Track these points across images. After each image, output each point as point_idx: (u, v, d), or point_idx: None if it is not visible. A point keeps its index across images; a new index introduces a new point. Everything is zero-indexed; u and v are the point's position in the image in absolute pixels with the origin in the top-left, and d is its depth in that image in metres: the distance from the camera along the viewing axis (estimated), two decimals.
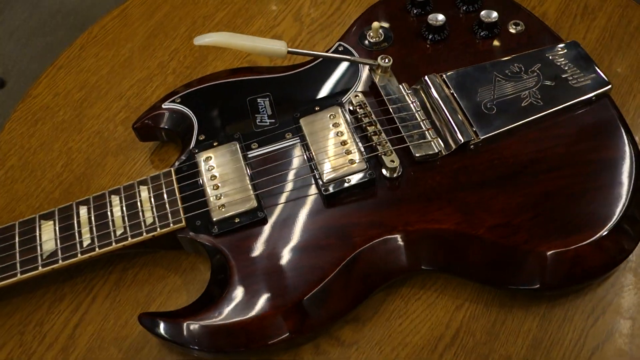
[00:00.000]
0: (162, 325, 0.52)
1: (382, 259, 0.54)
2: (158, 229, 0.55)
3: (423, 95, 0.62)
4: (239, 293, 0.52)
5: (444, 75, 0.63)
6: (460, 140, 0.58)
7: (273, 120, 0.62)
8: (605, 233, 0.53)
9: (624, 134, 0.58)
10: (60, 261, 0.55)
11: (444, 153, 0.58)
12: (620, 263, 0.55)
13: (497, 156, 0.58)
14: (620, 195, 0.55)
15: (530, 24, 0.68)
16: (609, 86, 0.61)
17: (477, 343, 0.53)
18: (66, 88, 0.75)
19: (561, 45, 0.65)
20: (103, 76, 0.75)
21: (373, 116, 0.60)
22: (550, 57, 0.63)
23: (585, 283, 0.55)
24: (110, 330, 0.57)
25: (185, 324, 0.51)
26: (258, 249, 0.54)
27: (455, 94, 0.61)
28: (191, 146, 0.61)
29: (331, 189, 0.56)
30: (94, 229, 0.56)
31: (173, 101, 0.64)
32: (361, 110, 0.61)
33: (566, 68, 0.62)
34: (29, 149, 0.70)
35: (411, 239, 0.54)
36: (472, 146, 0.58)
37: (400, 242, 0.54)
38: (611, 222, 0.53)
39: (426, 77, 0.63)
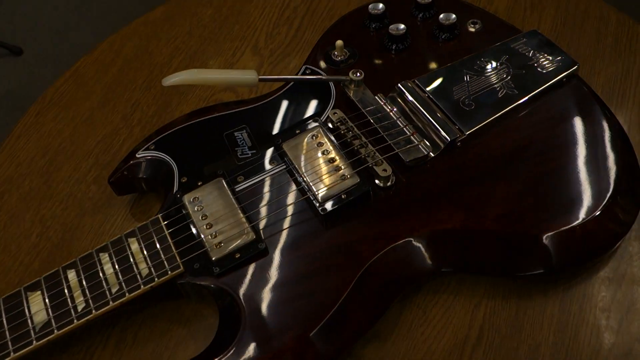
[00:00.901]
0: None
1: (395, 268, 0.53)
2: (156, 279, 0.52)
3: (400, 102, 0.62)
4: (253, 331, 0.49)
5: (416, 80, 0.63)
6: (447, 139, 0.58)
7: (254, 151, 0.61)
8: (606, 205, 0.53)
9: (600, 108, 0.60)
10: (55, 331, 0.51)
11: (432, 155, 0.58)
12: (626, 233, 0.55)
13: (485, 149, 0.58)
14: (612, 167, 0.55)
15: (487, 20, 0.69)
16: (577, 65, 0.62)
17: (504, 337, 0.52)
18: (28, 156, 0.71)
19: (521, 35, 0.66)
20: (66, 138, 0.72)
21: (356, 130, 0.59)
22: (514, 48, 0.65)
23: (596, 258, 0.54)
24: None
25: None
26: (264, 281, 0.52)
27: (431, 96, 0.61)
28: (174, 190, 0.59)
29: (328, 208, 0.54)
30: (87, 290, 0.52)
31: (147, 149, 0.62)
32: (343, 126, 0.60)
33: (531, 55, 0.64)
34: None
35: (420, 243, 0.53)
36: (459, 143, 0.58)
37: (410, 249, 0.53)
38: (609, 194, 0.53)
39: (399, 85, 0.63)
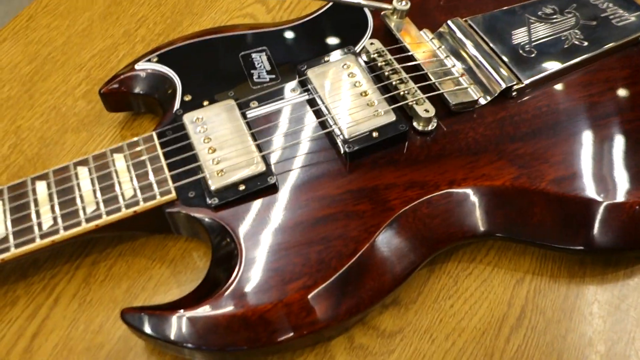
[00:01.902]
0: (153, 322, 0.39)
1: (427, 224, 0.44)
2: (141, 203, 0.43)
3: (449, 40, 0.53)
4: (250, 276, 0.41)
5: (469, 20, 0.54)
6: (502, 86, 0.49)
7: (273, 76, 0.52)
8: None
9: None
10: (12, 248, 0.42)
11: (483, 102, 0.49)
12: None
13: (544, 103, 0.49)
14: None
15: None
16: None
17: (550, 322, 0.43)
18: (12, 61, 0.62)
19: None
20: (58, 47, 0.63)
21: (395, 64, 0.50)
22: None
23: None
24: (80, 338, 0.44)
25: (185, 318, 0.39)
26: (270, 221, 0.43)
27: (486, 39, 0.52)
28: (175, 108, 0.50)
29: (355, 146, 0.46)
30: (57, 207, 0.43)
31: (149, 60, 0.53)
32: (380, 58, 0.51)
33: (605, 7, 0.55)
34: None
35: (460, 199, 0.44)
36: (514, 93, 0.49)
37: (447, 204, 0.44)
38: None
39: (450, 22, 0.54)
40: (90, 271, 0.47)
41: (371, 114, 0.47)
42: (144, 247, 0.48)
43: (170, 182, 0.44)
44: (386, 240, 0.43)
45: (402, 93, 0.48)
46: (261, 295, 0.40)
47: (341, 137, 0.46)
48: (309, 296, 0.40)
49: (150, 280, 0.46)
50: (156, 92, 0.52)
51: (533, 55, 0.51)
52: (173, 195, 0.44)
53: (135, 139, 0.47)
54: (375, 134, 0.46)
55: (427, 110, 0.47)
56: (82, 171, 0.45)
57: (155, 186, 0.44)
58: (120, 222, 0.44)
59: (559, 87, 0.50)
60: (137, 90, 0.53)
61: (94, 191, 0.44)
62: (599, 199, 0.44)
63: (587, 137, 0.47)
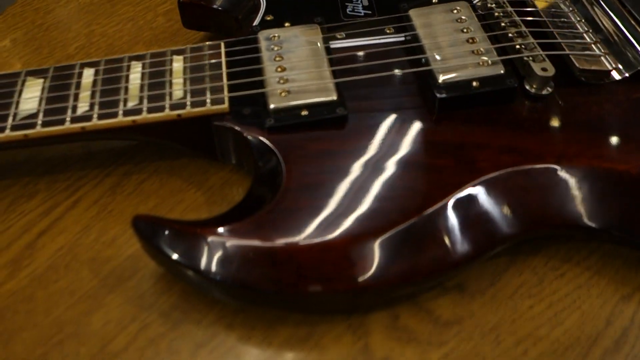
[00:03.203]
0: (169, 235, 0.33)
1: (520, 198, 0.35)
2: (188, 107, 0.38)
3: (585, 5, 0.44)
4: (292, 207, 0.34)
5: None
6: None
7: (369, 12, 0.45)
8: None
9: None
10: (38, 126, 0.37)
11: (616, 77, 0.40)
12: None
13: None
14: None
15: None
16: None
17: None
18: None
19: None
20: None
21: (515, 16, 0.42)
22: None
23: None
24: (88, 246, 0.38)
25: (209, 238, 0.32)
26: (329, 156, 0.36)
27: (633, 11, 0.43)
28: (254, 24, 0.44)
29: (450, 93, 0.38)
30: (98, 93, 0.39)
31: None
32: (499, 9, 0.43)
33: None
34: (40, 25, 0.54)
35: (567, 177, 0.35)
36: None
37: (550, 179, 0.35)
38: None
39: None
40: (119, 181, 0.42)
41: (475, 62, 0.39)
42: (183, 169, 0.42)
43: (225, 91, 0.38)
44: (464, 205, 0.34)
45: (517, 46, 0.40)
46: (297, 232, 0.32)
47: (435, 81, 0.38)
48: (356, 245, 0.32)
49: (180, 204, 0.40)
50: (236, 10, 0.47)
51: None
52: (225, 106, 0.38)
53: (201, 44, 0.42)
54: (475, 84, 0.38)
55: (545, 69, 0.38)
56: (136, 65, 0.40)
57: (208, 93, 0.38)
58: (160, 125, 0.38)
59: None
60: (217, 5, 0.48)
61: (142, 86, 0.39)
62: None
63: None
